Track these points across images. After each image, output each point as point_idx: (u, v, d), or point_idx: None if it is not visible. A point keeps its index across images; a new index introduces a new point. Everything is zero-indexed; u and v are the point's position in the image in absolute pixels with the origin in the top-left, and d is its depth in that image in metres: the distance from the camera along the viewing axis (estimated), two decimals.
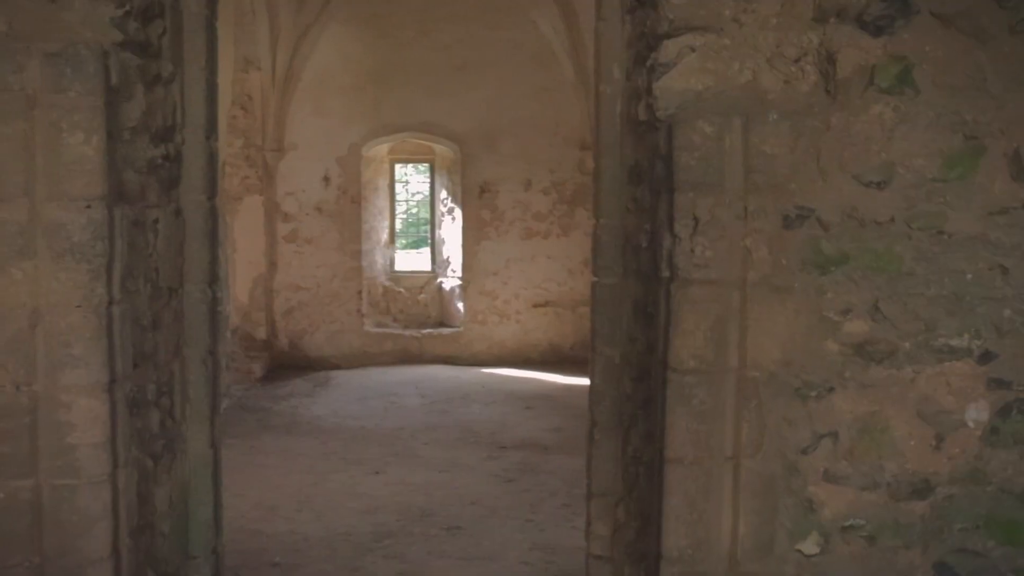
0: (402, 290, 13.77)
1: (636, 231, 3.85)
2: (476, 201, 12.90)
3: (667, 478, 3.27)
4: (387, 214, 13.90)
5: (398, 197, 14.50)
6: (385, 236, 13.87)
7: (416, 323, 13.53)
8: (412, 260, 15.24)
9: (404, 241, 15.88)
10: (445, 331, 13.17)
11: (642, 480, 3.72)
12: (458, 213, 13.26)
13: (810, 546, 3.32)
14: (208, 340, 4.09)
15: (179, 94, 3.88)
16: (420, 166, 14.41)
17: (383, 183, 13.83)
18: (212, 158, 4.05)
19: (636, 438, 3.83)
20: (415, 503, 6.76)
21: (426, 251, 14.50)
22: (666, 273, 3.33)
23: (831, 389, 3.28)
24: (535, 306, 13.00)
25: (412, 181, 14.77)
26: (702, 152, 3.21)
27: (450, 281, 13.60)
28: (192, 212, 3.98)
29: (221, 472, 4.28)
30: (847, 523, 3.33)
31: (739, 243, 3.23)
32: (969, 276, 3.25)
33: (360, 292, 12.88)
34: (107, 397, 3.24)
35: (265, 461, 7.94)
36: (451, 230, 13.57)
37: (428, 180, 14.23)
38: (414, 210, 15.11)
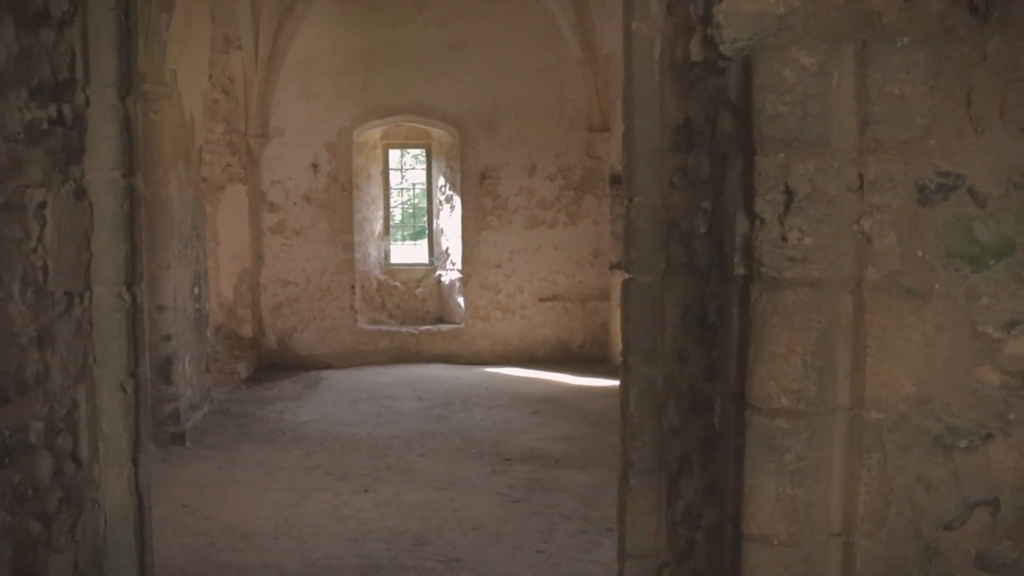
0: (398, 284, 13.26)
1: (687, 212, 2.93)
2: (476, 188, 12.43)
3: (747, 562, 2.36)
4: (381, 203, 13.42)
5: (398, 187, 13.80)
6: (379, 227, 13.38)
7: (413, 319, 13.06)
8: (409, 252, 14.58)
9: (405, 233, 15.16)
10: (444, 328, 12.70)
11: (700, 550, 2.79)
12: (457, 201, 12.78)
13: None
14: (127, 358, 3.24)
15: (80, 40, 3.04)
16: (418, 154, 13.73)
17: (376, 170, 13.33)
18: (128, 123, 3.18)
19: (690, 491, 2.90)
20: (408, 528, 6.14)
21: (425, 243, 14.01)
22: (741, 270, 2.43)
23: (988, 437, 2.41)
24: (541, 300, 12.51)
25: (414, 170, 14.06)
26: (797, 94, 2.29)
27: (449, 274, 13.08)
28: (102, 193, 3.14)
29: (149, 522, 3.46)
30: None
31: (852, 226, 2.34)
32: None
33: (353, 287, 12.45)
34: None
35: (242, 476, 7.35)
36: (450, 220, 13.07)
37: (424, 166, 13.73)
38: (415, 200, 14.45)
